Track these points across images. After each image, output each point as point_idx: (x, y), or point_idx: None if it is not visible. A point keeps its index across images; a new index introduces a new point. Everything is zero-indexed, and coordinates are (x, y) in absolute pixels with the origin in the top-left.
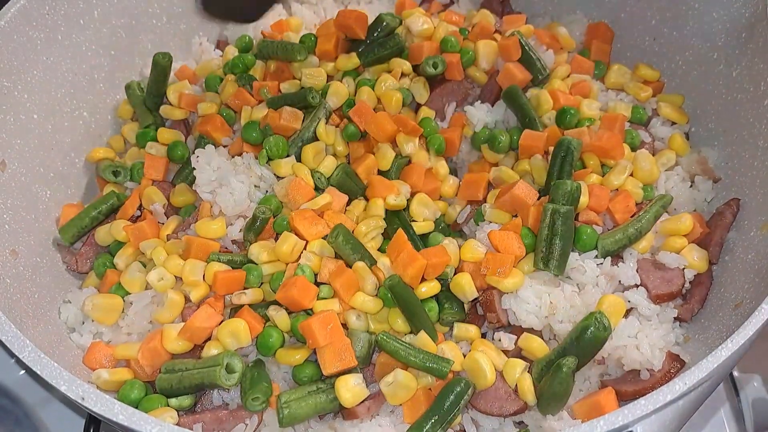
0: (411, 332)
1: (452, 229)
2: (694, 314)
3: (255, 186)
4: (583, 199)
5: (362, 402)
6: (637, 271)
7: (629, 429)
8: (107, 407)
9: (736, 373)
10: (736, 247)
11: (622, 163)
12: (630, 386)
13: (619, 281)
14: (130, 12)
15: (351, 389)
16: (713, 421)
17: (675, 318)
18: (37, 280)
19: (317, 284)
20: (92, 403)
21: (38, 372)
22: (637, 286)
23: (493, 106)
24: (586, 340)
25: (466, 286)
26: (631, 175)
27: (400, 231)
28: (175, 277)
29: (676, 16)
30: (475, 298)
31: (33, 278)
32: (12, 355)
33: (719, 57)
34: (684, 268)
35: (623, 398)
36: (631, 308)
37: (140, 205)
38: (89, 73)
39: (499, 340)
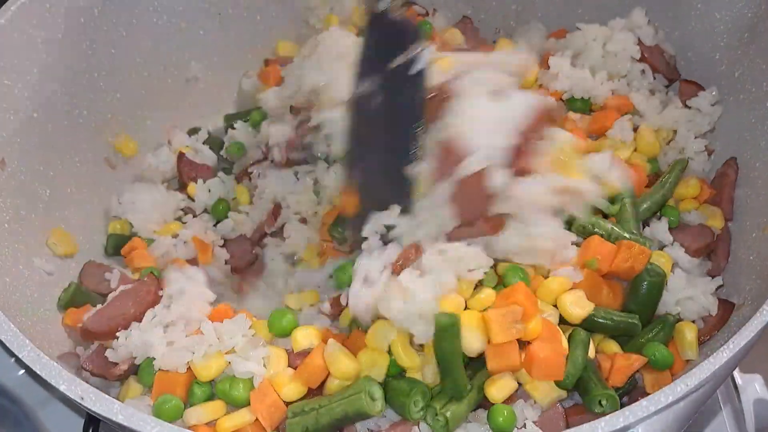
0: None
1: None
2: (722, 269)
3: None
4: None
5: None
6: None
7: (631, 430)
8: (107, 407)
9: (737, 374)
10: (738, 249)
11: (627, 141)
12: None
13: (658, 240)
14: (130, 10)
15: (501, 387)
16: (714, 421)
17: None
18: (36, 279)
19: None
20: (91, 402)
21: (37, 371)
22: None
23: None
24: (644, 292)
25: None
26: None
27: None
28: None
29: (678, 16)
30: None
31: (32, 277)
32: (11, 354)
33: (721, 57)
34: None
35: None
36: (672, 264)
37: None
38: (89, 72)
39: None
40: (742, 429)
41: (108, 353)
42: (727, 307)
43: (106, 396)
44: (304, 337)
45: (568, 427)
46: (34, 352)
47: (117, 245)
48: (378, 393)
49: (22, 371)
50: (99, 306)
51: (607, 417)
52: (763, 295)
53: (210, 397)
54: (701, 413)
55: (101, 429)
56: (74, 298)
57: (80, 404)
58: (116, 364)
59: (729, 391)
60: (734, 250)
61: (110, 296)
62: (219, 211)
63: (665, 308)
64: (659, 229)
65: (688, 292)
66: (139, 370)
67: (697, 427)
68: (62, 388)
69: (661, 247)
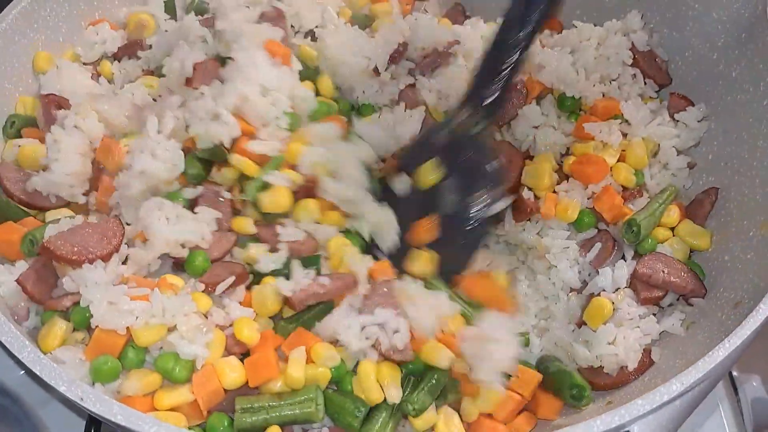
0: None
1: None
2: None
3: None
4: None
5: None
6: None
7: (626, 429)
8: (106, 408)
9: (735, 373)
10: (736, 247)
11: (615, 145)
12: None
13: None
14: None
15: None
16: (712, 420)
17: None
18: None
19: None
20: (91, 403)
21: (37, 372)
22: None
23: None
24: None
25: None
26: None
27: None
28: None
29: (676, 16)
30: None
31: None
32: (11, 355)
33: (719, 57)
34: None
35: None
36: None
37: None
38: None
39: None
40: (740, 427)
41: (65, 281)
42: (645, 360)
43: (106, 397)
44: (250, 329)
45: None
46: (34, 353)
47: (21, 127)
48: (321, 401)
49: (23, 371)
50: (60, 227)
51: (603, 416)
52: (761, 293)
53: (142, 363)
54: (699, 412)
55: (103, 429)
56: None
57: (80, 405)
58: (65, 295)
59: (727, 390)
60: (732, 248)
61: (63, 222)
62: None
63: (585, 361)
64: (621, 271)
65: (611, 349)
66: (74, 309)
67: (695, 425)
68: (62, 389)
69: (616, 289)
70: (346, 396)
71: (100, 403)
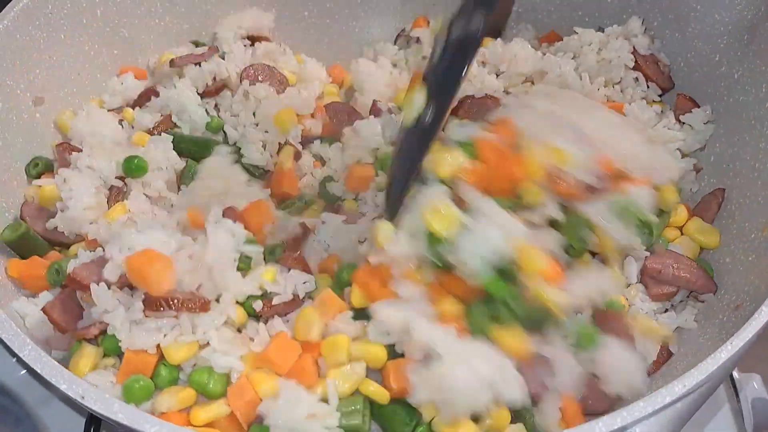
0: None
1: None
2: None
3: None
4: None
5: None
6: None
7: (627, 431)
8: (107, 406)
9: (735, 374)
10: (737, 249)
11: None
12: None
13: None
14: (132, 11)
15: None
16: (713, 421)
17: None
18: None
19: None
20: (92, 401)
21: (38, 370)
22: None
23: None
24: None
25: None
26: None
27: None
28: None
29: (678, 18)
30: None
31: None
32: (13, 354)
33: (721, 59)
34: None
35: None
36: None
37: None
38: (92, 72)
39: None
40: (740, 428)
41: (93, 310)
42: (663, 353)
43: (107, 395)
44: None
45: None
46: (35, 351)
47: (44, 170)
48: (366, 410)
49: (24, 371)
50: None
51: (605, 417)
52: (762, 295)
53: (175, 380)
54: (700, 411)
55: (103, 428)
56: (22, 242)
57: (81, 403)
58: (93, 324)
59: (728, 390)
60: (734, 250)
61: (88, 254)
62: None
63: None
64: (630, 267)
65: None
66: (105, 338)
67: (695, 425)
68: (63, 387)
69: (627, 285)
70: (396, 406)
71: (101, 401)
